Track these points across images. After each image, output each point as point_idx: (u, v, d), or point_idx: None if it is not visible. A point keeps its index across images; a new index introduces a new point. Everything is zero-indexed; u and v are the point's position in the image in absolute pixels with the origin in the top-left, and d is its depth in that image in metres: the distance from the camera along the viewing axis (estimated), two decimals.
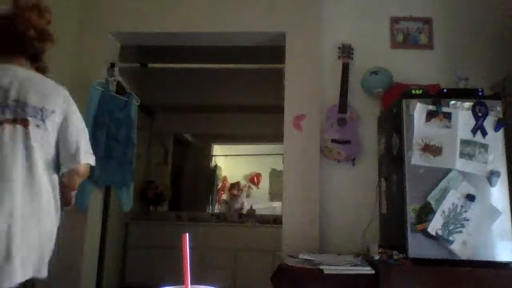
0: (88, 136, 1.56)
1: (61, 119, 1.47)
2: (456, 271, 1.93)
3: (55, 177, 1.48)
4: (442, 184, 2.04)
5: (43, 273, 1.39)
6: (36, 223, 1.36)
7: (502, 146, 2.09)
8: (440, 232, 2.00)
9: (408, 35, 2.82)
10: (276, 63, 2.90)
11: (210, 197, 5.60)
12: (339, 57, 2.76)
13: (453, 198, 2.02)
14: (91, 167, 2.52)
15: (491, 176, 2.05)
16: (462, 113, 2.11)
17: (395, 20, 2.84)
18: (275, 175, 5.42)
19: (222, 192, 5.83)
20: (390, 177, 2.37)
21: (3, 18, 1.46)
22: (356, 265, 1.99)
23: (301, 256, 2.10)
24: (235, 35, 2.91)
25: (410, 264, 1.97)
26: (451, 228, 2.00)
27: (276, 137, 2.98)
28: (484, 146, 2.08)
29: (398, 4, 2.87)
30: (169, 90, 4.43)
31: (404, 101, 2.16)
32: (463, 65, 2.67)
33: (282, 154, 2.76)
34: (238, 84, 4.33)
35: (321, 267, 1.92)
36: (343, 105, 2.66)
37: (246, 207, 5.20)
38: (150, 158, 4.99)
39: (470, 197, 2.01)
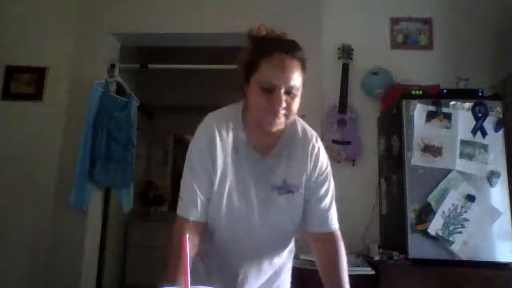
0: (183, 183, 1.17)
1: None
2: (457, 271, 1.93)
3: None
4: (442, 185, 2.04)
5: None
6: None
7: (502, 147, 2.09)
8: (440, 233, 2.00)
9: (408, 35, 2.82)
10: None
11: None
12: (339, 58, 2.76)
13: (453, 199, 2.02)
14: (92, 168, 2.55)
15: (491, 177, 2.05)
16: (462, 114, 2.12)
17: (395, 21, 2.84)
18: None
19: None
20: (390, 177, 2.37)
21: None
22: (356, 266, 1.99)
23: (301, 256, 2.10)
24: (235, 36, 2.88)
25: (410, 265, 1.97)
26: (451, 228, 2.00)
27: None
28: (484, 147, 2.08)
29: (398, 4, 2.87)
30: (169, 90, 4.43)
31: (404, 101, 2.16)
32: (463, 66, 2.67)
33: None
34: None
35: None
36: (343, 106, 2.66)
37: None
38: (150, 159, 4.99)
39: (470, 198, 2.01)
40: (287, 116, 1.09)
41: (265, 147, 1.17)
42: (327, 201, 1.21)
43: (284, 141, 1.18)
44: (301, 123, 1.23)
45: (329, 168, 1.23)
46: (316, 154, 1.20)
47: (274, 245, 1.22)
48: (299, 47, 1.15)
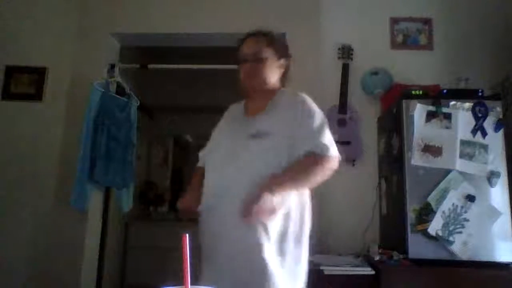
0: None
1: None
2: (456, 271, 1.93)
3: None
4: (442, 185, 2.04)
5: None
6: None
7: (502, 147, 2.09)
8: (440, 233, 2.00)
9: (408, 35, 2.82)
10: None
11: None
12: (339, 58, 2.76)
13: (453, 199, 2.02)
14: (92, 168, 2.55)
15: (491, 177, 2.05)
16: (462, 114, 2.11)
17: (395, 21, 2.84)
18: None
19: None
20: (390, 177, 2.37)
21: None
22: (356, 266, 1.99)
23: None
24: (236, 36, 2.90)
25: (410, 265, 1.97)
26: (451, 228, 2.00)
27: None
28: (484, 147, 2.08)
29: (398, 4, 2.87)
30: (169, 91, 4.43)
31: (404, 101, 2.16)
32: (463, 66, 2.67)
33: None
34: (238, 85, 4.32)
35: (321, 268, 1.92)
36: (343, 106, 2.66)
37: None
38: (150, 159, 4.99)
39: (470, 198, 2.01)
40: (252, 77, 1.53)
41: (257, 110, 1.52)
42: (310, 133, 1.43)
43: (272, 102, 1.52)
44: (292, 90, 1.57)
45: (315, 108, 1.48)
46: (306, 103, 1.47)
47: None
48: (266, 31, 1.59)
